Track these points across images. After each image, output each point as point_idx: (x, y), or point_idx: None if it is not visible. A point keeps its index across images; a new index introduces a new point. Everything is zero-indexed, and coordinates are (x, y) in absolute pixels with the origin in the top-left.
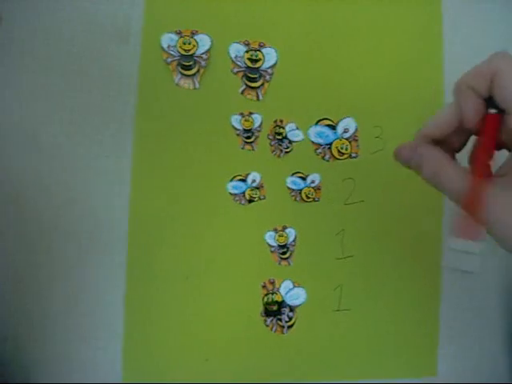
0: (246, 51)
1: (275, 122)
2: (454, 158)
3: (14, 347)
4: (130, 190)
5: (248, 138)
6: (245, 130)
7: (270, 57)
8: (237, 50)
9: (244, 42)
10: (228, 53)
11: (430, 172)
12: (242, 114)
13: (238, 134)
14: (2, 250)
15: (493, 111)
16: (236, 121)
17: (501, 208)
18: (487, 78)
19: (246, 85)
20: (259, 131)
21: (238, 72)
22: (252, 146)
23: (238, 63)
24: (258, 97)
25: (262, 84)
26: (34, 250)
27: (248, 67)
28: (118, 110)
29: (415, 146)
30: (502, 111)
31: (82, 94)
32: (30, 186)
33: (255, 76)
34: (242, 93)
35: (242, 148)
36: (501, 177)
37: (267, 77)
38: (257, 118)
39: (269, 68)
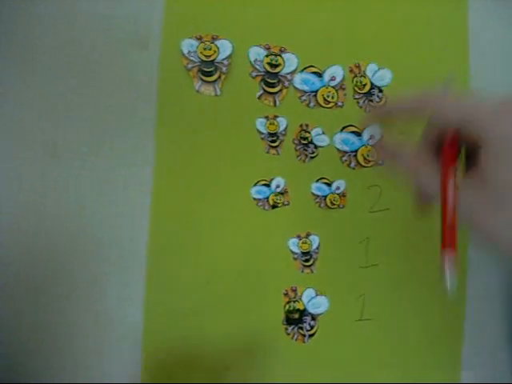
0: (266, 55)
1: (301, 126)
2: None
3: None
4: (151, 195)
5: (273, 141)
6: (270, 133)
7: (290, 62)
8: (257, 53)
9: (265, 46)
10: (248, 57)
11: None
12: (266, 118)
13: (262, 138)
14: (23, 261)
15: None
16: (261, 124)
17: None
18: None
19: (264, 90)
20: (284, 135)
21: (256, 76)
22: (277, 151)
23: (257, 67)
24: (275, 103)
25: (281, 90)
26: (55, 256)
27: (267, 72)
28: (138, 117)
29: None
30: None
31: (101, 101)
32: (49, 194)
33: (274, 81)
34: (259, 98)
35: (267, 152)
36: (469, 179)
37: (286, 83)
38: (282, 122)
39: (288, 74)
